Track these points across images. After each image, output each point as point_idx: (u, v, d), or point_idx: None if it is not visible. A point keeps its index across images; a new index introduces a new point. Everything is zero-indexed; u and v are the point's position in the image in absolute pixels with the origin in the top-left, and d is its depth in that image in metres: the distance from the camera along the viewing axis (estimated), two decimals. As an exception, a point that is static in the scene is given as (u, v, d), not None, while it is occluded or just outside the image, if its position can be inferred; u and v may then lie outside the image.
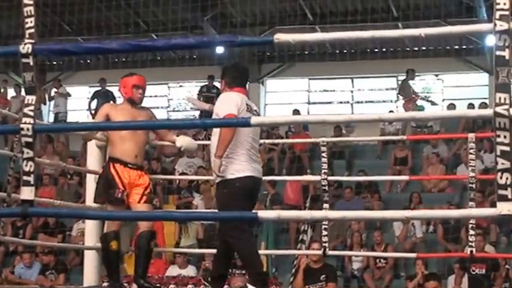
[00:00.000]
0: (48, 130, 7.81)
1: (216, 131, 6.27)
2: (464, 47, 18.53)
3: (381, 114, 3.83)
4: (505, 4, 3.33)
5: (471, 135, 7.79)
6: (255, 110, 6.42)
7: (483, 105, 16.76)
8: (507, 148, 3.34)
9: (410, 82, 17.80)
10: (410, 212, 3.85)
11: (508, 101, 3.34)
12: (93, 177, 7.33)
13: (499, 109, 3.33)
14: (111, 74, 19.23)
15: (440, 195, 14.92)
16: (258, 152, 6.41)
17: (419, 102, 17.77)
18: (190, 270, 12.65)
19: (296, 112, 17.60)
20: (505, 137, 3.35)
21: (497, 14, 3.34)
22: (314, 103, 20.02)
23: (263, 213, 3.78)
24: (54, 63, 20.35)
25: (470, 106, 16.99)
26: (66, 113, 19.29)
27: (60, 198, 12.40)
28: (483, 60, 18.19)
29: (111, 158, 6.82)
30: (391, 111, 17.41)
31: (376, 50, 18.88)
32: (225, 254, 6.40)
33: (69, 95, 19.46)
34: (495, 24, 3.34)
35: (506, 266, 12.13)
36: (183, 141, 6.99)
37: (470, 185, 7.73)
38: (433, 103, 18.05)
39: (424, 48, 18.55)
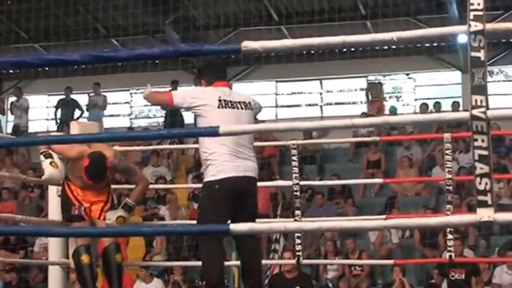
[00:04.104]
0: (7, 145, 7.49)
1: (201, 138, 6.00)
2: (435, 44, 18.15)
3: (354, 119, 3.64)
4: (479, 4, 3.25)
5: (447, 136, 7.56)
6: (239, 102, 6.03)
7: (456, 105, 16.65)
8: (485, 152, 3.23)
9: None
10: (388, 221, 3.68)
11: (484, 103, 3.23)
12: (55, 189, 7.12)
13: (475, 112, 3.23)
14: (70, 82, 18.83)
15: (415, 198, 14.69)
16: (249, 148, 5.95)
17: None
18: (156, 284, 12.37)
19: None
20: (482, 140, 3.23)
21: (471, 14, 3.25)
22: (282, 106, 19.78)
23: (235, 226, 3.66)
24: (11, 71, 19.87)
25: (437, 104, 16.86)
26: (27, 125, 18.79)
27: (21, 212, 12.11)
28: (455, 58, 17.87)
29: (67, 177, 6.72)
30: (363, 113, 17.22)
31: (345, 50, 18.53)
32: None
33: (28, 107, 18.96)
34: (469, 25, 3.25)
35: (489, 271, 11.95)
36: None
37: (448, 187, 7.51)
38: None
39: (394, 47, 18.19)
